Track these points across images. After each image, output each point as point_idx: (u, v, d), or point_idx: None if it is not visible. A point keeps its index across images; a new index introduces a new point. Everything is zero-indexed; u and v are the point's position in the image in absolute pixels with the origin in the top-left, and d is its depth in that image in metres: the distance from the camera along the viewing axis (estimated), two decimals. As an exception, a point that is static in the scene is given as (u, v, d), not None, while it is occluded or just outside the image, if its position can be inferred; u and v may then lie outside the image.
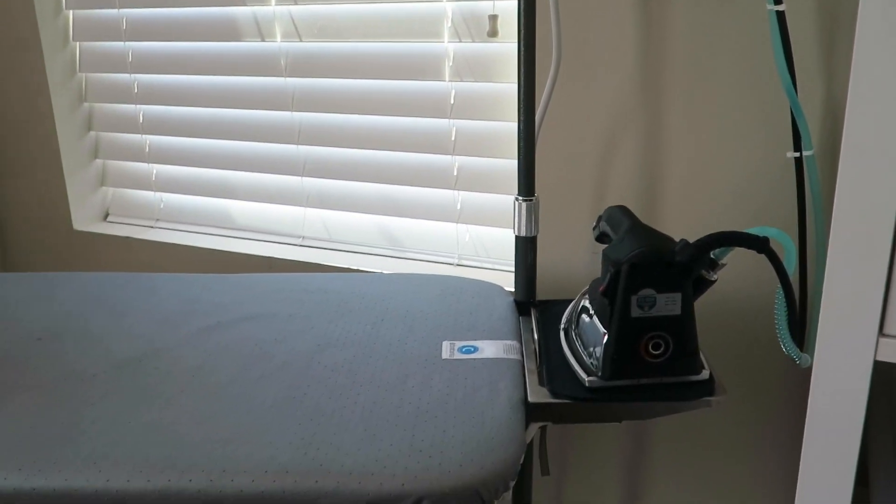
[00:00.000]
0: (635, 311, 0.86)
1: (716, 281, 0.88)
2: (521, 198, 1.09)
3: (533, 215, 1.09)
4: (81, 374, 0.97)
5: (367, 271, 1.45)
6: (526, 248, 1.11)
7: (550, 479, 1.41)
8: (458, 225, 1.44)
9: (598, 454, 1.36)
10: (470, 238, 1.44)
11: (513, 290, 1.16)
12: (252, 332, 1.06)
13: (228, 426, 0.85)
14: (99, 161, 1.74)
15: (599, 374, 0.89)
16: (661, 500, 1.34)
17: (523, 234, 1.10)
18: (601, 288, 0.87)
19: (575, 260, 1.27)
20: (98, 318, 1.12)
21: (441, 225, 1.46)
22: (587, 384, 0.90)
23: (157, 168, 1.67)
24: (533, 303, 1.13)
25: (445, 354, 0.99)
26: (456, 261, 1.46)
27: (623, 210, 0.96)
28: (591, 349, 0.91)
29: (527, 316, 1.12)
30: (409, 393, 0.91)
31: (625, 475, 1.36)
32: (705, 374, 0.90)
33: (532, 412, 0.90)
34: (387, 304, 1.13)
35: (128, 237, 1.67)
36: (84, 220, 1.74)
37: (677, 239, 0.88)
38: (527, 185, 1.08)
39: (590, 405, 0.89)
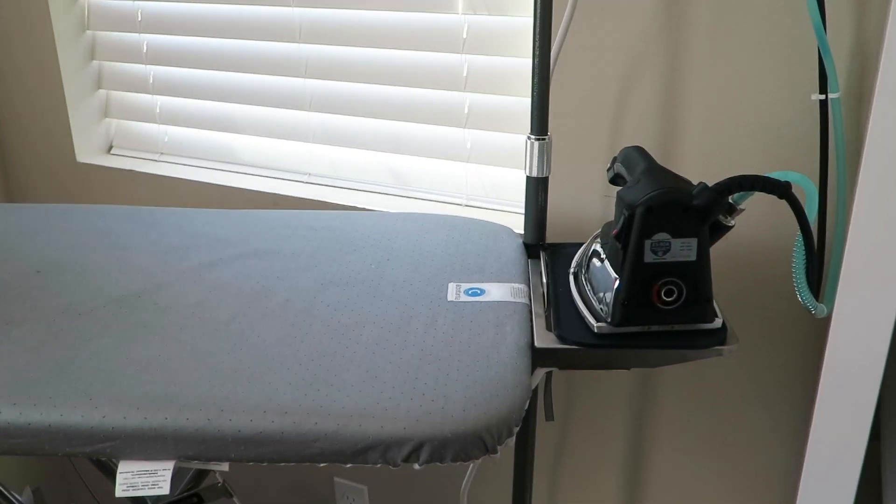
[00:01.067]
0: (648, 256, 0.82)
1: (733, 227, 0.85)
2: (533, 136, 1.05)
3: (545, 155, 1.05)
4: (79, 308, 0.95)
5: (373, 210, 1.41)
6: (537, 189, 1.07)
7: (554, 425, 1.40)
8: (468, 165, 1.40)
9: (605, 402, 1.34)
10: (479, 178, 1.40)
11: (522, 232, 1.12)
12: (254, 268, 1.03)
13: (228, 364, 0.83)
14: (102, 92, 1.69)
15: (609, 319, 0.86)
16: (667, 451, 1.33)
17: (535, 174, 1.06)
18: (614, 231, 0.84)
19: (586, 203, 1.24)
20: (98, 251, 1.09)
21: (450, 164, 1.42)
22: (596, 330, 0.87)
23: (161, 100, 1.62)
24: (542, 245, 1.10)
25: (451, 296, 0.96)
26: (464, 201, 1.43)
27: (639, 151, 0.92)
28: (601, 294, 0.88)
29: (536, 259, 1.09)
30: (413, 334, 0.88)
31: (631, 424, 1.34)
32: (718, 323, 0.87)
33: (538, 357, 0.88)
34: (392, 244, 1.10)
35: (131, 170, 1.64)
36: (87, 152, 1.70)
37: (695, 182, 0.84)
38: (540, 124, 1.04)
39: (598, 351, 0.87)
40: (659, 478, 1.35)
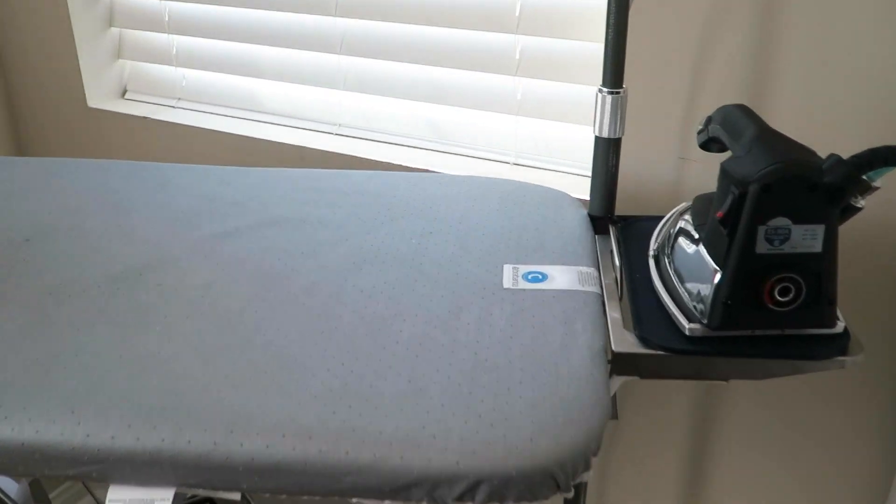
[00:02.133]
0: (762, 246, 0.65)
1: (862, 209, 0.67)
2: (605, 89, 0.86)
3: (619, 111, 0.87)
4: (70, 289, 0.79)
5: (409, 168, 1.24)
6: (608, 152, 0.89)
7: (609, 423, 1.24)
8: (518, 118, 1.22)
9: (667, 392, 1.18)
10: (530, 134, 1.22)
11: (582, 198, 0.95)
12: (275, 240, 0.87)
13: (240, 367, 0.67)
14: (115, 30, 1.52)
15: (705, 320, 0.69)
16: (738, 448, 1.16)
17: (606, 134, 0.88)
18: (719, 213, 0.66)
19: (657, 166, 1.05)
20: (98, 215, 0.93)
21: (497, 117, 1.24)
22: (688, 332, 0.70)
23: (177, 40, 1.45)
24: (612, 219, 0.92)
25: (507, 282, 0.79)
26: (512, 159, 1.25)
27: (744, 111, 0.74)
28: (694, 287, 0.71)
29: (603, 235, 0.91)
30: (464, 331, 0.72)
31: (698, 416, 1.18)
32: (839, 328, 0.69)
33: (615, 363, 0.71)
34: (436, 213, 0.92)
35: (146, 117, 1.47)
36: (99, 96, 1.54)
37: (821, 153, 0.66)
38: (614, 74, 0.86)
39: (690, 359, 0.70)
40: (728, 478, 1.19)
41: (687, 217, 0.78)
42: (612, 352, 0.71)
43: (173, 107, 1.50)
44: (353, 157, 1.29)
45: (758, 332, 0.69)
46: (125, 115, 1.49)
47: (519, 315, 0.74)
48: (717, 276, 0.67)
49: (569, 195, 0.98)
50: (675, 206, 1.07)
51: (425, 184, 0.99)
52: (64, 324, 0.74)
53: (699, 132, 0.80)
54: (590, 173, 1.13)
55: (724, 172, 0.67)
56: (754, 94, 0.96)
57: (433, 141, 1.30)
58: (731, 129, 0.72)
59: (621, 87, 0.86)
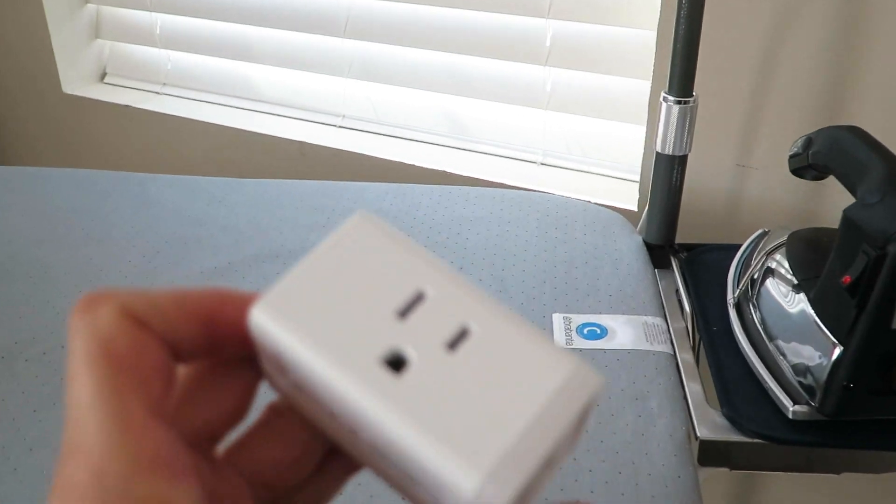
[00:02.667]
0: (900, 321, 0.51)
1: None
2: (671, 97, 0.71)
3: (688, 124, 0.72)
4: (28, 350, 0.64)
5: (422, 167, 1.09)
6: (671, 171, 0.74)
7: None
8: (547, 112, 1.06)
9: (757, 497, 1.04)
10: (560, 130, 1.07)
11: (619, 205, 0.80)
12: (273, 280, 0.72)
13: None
14: (91, 6, 1.35)
15: (815, 403, 0.55)
16: None
17: (670, 150, 0.73)
18: (846, 278, 0.51)
19: (713, 176, 0.90)
20: (65, 247, 0.78)
21: (523, 111, 1.08)
22: (791, 415, 0.56)
23: (161, 18, 1.28)
24: (673, 248, 0.78)
25: (558, 339, 0.65)
26: (539, 158, 1.10)
27: (862, 137, 0.58)
28: (798, 357, 0.57)
29: (663, 269, 0.77)
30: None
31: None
32: (981, 412, 0.55)
33: (701, 452, 0.57)
34: (465, 240, 0.78)
35: (128, 105, 1.31)
36: (75, 80, 1.37)
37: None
38: (683, 79, 0.70)
39: (796, 450, 0.56)
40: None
41: (778, 258, 0.64)
42: (697, 438, 0.57)
43: (158, 93, 1.34)
44: (358, 155, 1.14)
45: (879, 417, 0.55)
46: (104, 102, 1.33)
47: (578, 387, 0.60)
48: (836, 352, 0.53)
49: (620, 216, 0.83)
50: (737, 226, 0.93)
51: (450, 201, 0.84)
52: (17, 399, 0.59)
53: (794, 155, 0.65)
54: (628, 176, 0.98)
55: (851, 225, 0.52)
56: (825, 106, 0.81)
57: (450, 136, 1.15)
58: (847, 161, 0.57)
59: (692, 94, 0.71)
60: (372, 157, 1.13)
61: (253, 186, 0.87)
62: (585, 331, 0.65)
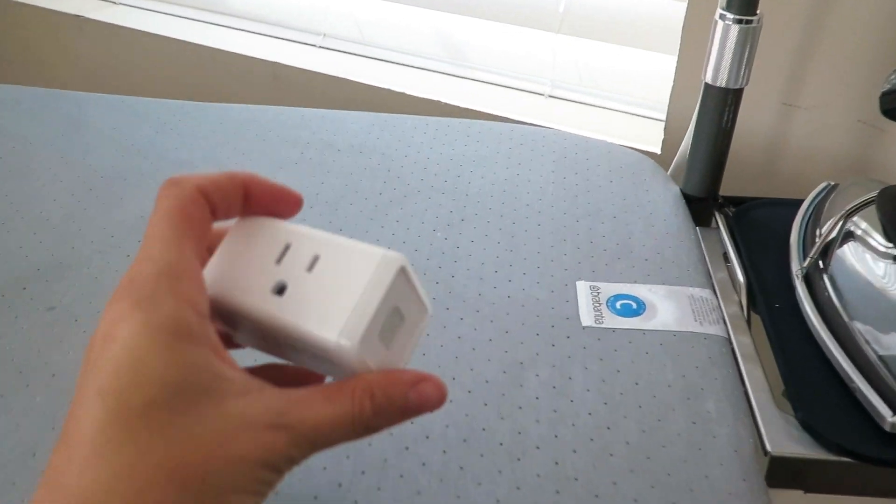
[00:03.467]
0: None
1: None
2: (730, 15, 0.56)
3: (748, 49, 0.57)
4: None
5: (413, 96, 0.94)
6: (722, 107, 0.60)
7: None
8: (558, 36, 0.91)
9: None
10: (573, 58, 0.92)
11: (642, 148, 0.66)
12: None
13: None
14: None
15: (923, 413, 0.42)
16: None
17: (723, 81, 0.59)
18: None
19: (760, 125, 0.76)
20: (-24, 176, 0.63)
21: (531, 34, 0.93)
22: (890, 427, 0.43)
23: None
24: (718, 202, 0.64)
25: (585, 315, 0.51)
26: (548, 90, 0.95)
27: None
28: (893, 350, 0.44)
29: (706, 226, 0.63)
30: (529, 417, 0.44)
31: None
32: None
33: (772, 472, 0.44)
34: (469, 185, 0.63)
35: (78, 15, 1.13)
36: (18, -16, 1.19)
37: None
38: (748, -6, 0.55)
39: (892, 470, 0.43)
40: None
41: (860, 220, 0.50)
42: (767, 453, 0.44)
43: (113, 2, 1.16)
44: (340, 80, 0.98)
45: None
46: (51, 11, 1.15)
47: (614, 382, 0.46)
48: (961, 352, 0.40)
49: (651, 161, 0.68)
50: (778, 176, 0.79)
51: (448, 137, 0.69)
52: None
53: (888, 93, 0.51)
54: (650, 113, 0.84)
55: None
56: (924, 25, 0.66)
57: (445, 62, 0.99)
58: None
59: (755, 12, 0.56)
60: (356, 82, 0.97)
61: (213, 112, 0.72)
62: (618, 305, 0.52)
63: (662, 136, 0.84)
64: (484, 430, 0.43)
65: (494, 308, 0.51)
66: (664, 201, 0.62)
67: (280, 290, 0.29)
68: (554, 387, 0.46)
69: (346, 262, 0.29)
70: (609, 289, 0.53)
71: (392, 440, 0.42)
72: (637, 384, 0.46)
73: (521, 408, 0.44)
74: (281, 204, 0.31)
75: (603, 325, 0.50)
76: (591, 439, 0.43)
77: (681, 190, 0.64)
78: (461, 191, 0.62)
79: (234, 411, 0.26)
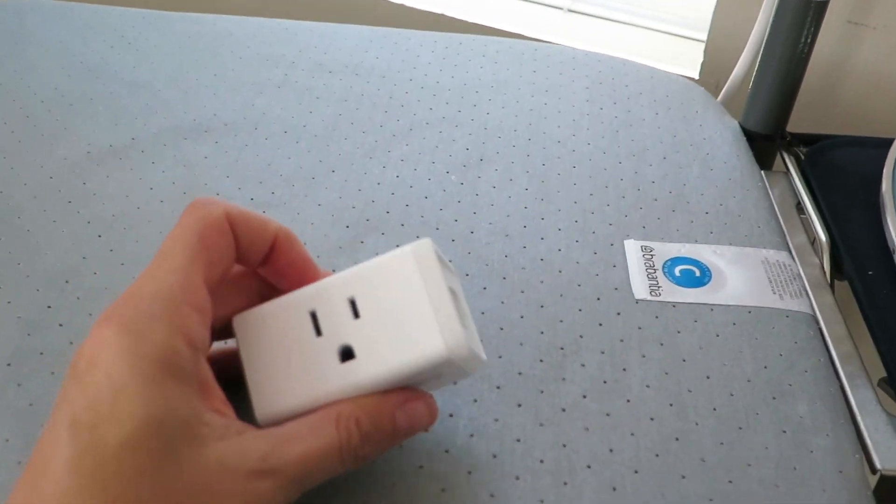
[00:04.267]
0: None
1: None
2: None
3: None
4: None
5: (413, 8, 0.81)
6: (800, 25, 0.49)
7: None
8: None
9: None
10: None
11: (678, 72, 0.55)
12: (192, 165, 0.47)
13: None
14: None
15: None
16: None
17: (806, -7, 0.47)
18: None
19: (819, 47, 0.65)
20: None
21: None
22: None
23: None
24: (786, 140, 0.53)
25: (638, 284, 0.41)
26: (567, 3, 0.83)
27: None
28: None
29: (768, 170, 0.53)
30: (577, 416, 0.34)
31: None
32: None
33: (884, 494, 0.35)
34: (483, 115, 0.52)
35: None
36: None
37: None
38: None
39: None
40: None
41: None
42: (877, 471, 0.34)
43: None
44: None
45: None
46: None
47: (680, 375, 0.36)
48: None
49: (702, 90, 0.57)
50: (840, 107, 0.68)
51: (460, 57, 0.58)
52: None
53: None
54: (688, 33, 0.72)
55: None
56: None
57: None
58: None
59: None
60: (349, -8, 0.84)
61: (180, 24, 0.60)
62: (677, 271, 0.41)
63: (702, 59, 0.73)
64: (519, 441, 0.33)
65: (525, 275, 0.41)
66: (722, 139, 0.51)
67: (346, 354, 0.27)
68: (605, 381, 0.36)
69: (384, 282, 0.27)
70: (665, 250, 0.43)
71: (403, 457, 0.32)
72: (708, 378, 0.36)
73: (564, 410, 0.34)
74: (303, 277, 0.29)
75: (660, 299, 0.40)
76: (657, 455, 0.33)
77: (739, 125, 0.53)
78: (478, 123, 0.51)
79: (214, 458, 0.24)
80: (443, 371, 0.27)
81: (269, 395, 0.27)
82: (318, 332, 0.27)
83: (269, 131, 0.50)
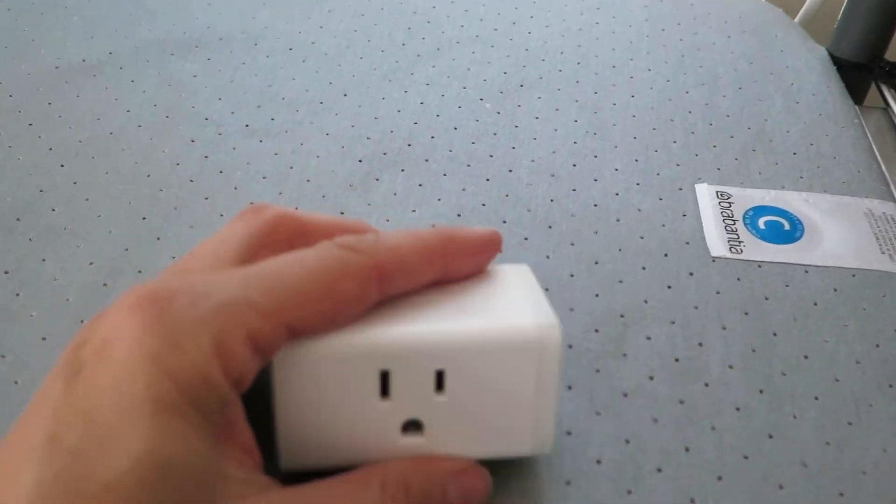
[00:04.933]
0: None
1: None
2: None
3: None
4: None
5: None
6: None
7: None
8: None
9: None
10: None
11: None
12: (181, 82, 0.39)
13: None
14: None
15: None
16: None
17: None
18: None
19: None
20: None
21: None
22: None
23: None
24: (885, 70, 0.44)
25: (714, 238, 0.33)
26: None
27: None
28: None
29: (861, 105, 0.44)
30: (643, 402, 0.27)
31: None
32: None
33: None
34: (524, 35, 0.44)
35: None
36: None
37: None
38: None
39: None
40: None
41: None
42: None
43: None
44: None
45: None
46: None
47: (770, 353, 0.29)
48: None
49: (780, 11, 0.48)
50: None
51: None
52: None
53: None
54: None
55: None
56: None
57: None
58: None
59: None
60: None
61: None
62: (761, 223, 0.34)
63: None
64: (569, 434, 0.26)
65: (575, 223, 0.33)
66: (808, 68, 0.43)
67: (411, 425, 0.21)
68: (676, 360, 0.28)
69: (489, 366, 0.21)
70: (745, 197, 0.35)
71: (420, 453, 0.25)
72: (807, 358, 0.29)
73: (626, 396, 0.27)
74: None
75: (742, 256, 0.32)
76: (745, 457, 0.26)
77: (827, 51, 0.45)
78: (518, 44, 0.43)
79: None
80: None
81: (301, 445, 0.21)
82: (385, 392, 0.21)
83: (270, 48, 0.42)
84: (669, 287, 0.31)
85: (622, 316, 0.30)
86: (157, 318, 0.17)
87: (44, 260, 0.31)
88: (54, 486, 0.16)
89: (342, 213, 0.33)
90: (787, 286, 0.31)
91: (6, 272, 0.30)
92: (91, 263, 0.30)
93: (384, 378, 0.21)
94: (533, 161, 0.36)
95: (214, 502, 0.18)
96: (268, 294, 0.19)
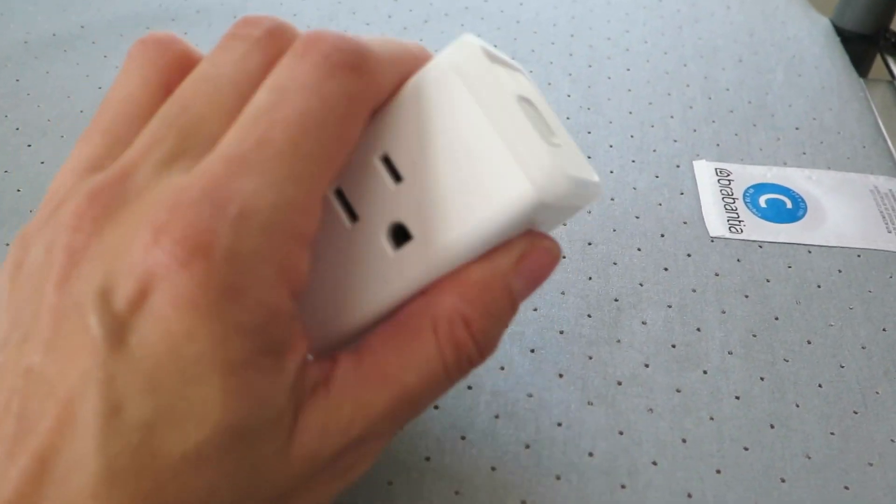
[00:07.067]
0: None
1: None
2: None
3: None
4: None
5: None
6: None
7: None
8: None
9: None
10: None
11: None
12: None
13: None
14: None
15: None
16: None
17: None
18: None
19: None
20: None
21: None
22: None
23: None
24: (890, 41, 0.43)
25: (713, 217, 0.32)
26: None
27: None
28: None
29: (867, 78, 0.43)
30: (637, 391, 0.26)
31: None
32: None
33: None
34: (517, 8, 0.42)
35: None
36: None
37: None
38: None
39: None
40: None
41: None
42: None
43: None
44: None
45: None
46: None
47: (771, 339, 0.28)
48: None
49: (783, -21, 0.46)
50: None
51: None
52: None
53: None
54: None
55: None
56: None
57: None
58: None
59: None
60: None
61: None
62: (762, 201, 0.32)
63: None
64: (560, 426, 0.24)
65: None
66: (811, 39, 0.41)
67: (399, 236, 0.18)
68: (673, 346, 0.27)
69: (421, 120, 0.18)
70: (746, 174, 0.33)
71: (402, 445, 0.24)
72: (810, 343, 0.27)
73: (620, 384, 0.26)
74: None
75: (742, 236, 0.31)
76: (745, 448, 0.24)
77: (831, 22, 0.43)
78: (509, 15, 0.41)
79: (299, 456, 0.16)
80: (541, 218, 0.18)
81: (315, 323, 0.19)
82: (353, 216, 0.19)
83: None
84: (666, 269, 0.29)
85: (616, 300, 0.28)
86: (211, 267, 0.15)
87: (7, 245, 0.29)
88: (125, 461, 0.14)
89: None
90: (790, 267, 0.30)
91: (-32, 257, 0.29)
92: (57, 248, 0.29)
93: (341, 198, 0.18)
94: (523, 137, 0.34)
95: (289, 439, 0.16)
96: (297, 182, 0.16)
